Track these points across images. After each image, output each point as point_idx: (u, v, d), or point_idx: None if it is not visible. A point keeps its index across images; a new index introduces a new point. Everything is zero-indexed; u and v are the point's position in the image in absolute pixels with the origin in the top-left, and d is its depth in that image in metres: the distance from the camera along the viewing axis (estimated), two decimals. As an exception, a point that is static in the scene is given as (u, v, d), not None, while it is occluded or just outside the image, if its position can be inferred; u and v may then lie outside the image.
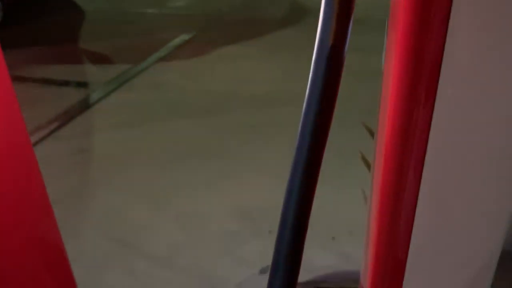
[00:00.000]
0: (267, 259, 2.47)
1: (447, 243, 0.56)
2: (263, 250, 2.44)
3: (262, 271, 2.24)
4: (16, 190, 0.82)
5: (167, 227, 2.74)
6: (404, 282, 0.59)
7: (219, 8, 6.11)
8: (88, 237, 2.63)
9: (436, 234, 0.55)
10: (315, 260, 2.03)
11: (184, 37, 5.02)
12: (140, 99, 3.96)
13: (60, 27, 5.57)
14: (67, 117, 3.59)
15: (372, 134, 1.39)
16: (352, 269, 1.84)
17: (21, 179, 0.84)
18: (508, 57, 0.47)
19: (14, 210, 0.82)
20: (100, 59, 4.60)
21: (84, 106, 3.79)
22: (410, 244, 0.55)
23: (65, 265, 0.97)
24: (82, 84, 4.15)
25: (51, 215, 0.92)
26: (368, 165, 1.35)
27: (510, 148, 0.52)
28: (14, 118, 0.79)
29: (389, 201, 0.55)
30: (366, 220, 0.71)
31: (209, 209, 2.89)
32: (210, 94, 3.96)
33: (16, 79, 3.68)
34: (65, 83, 4.16)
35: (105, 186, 3.04)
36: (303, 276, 1.68)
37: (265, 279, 2.36)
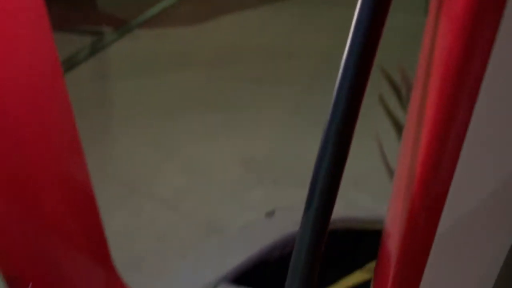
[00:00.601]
0: (272, 206, 2.51)
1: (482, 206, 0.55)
2: (267, 198, 2.49)
3: (268, 215, 2.27)
4: (47, 122, 0.81)
5: (172, 173, 2.77)
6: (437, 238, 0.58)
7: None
8: (95, 180, 2.66)
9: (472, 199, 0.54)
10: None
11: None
12: (144, 49, 3.90)
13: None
14: (70, 64, 3.56)
15: (391, 81, 1.36)
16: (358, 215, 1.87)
17: (53, 110, 0.82)
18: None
19: (44, 142, 0.81)
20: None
21: (88, 54, 3.74)
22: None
23: (93, 206, 0.96)
24: (89, 32, 4.07)
25: (80, 153, 0.91)
26: (387, 109, 1.33)
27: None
28: (46, 45, 0.77)
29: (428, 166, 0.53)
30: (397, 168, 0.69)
31: (213, 158, 2.91)
32: (216, 45, 3.90)
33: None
34: (71, 30, 4.09)
35: (109, 133, 3.05)
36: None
37: (270, 222, 2.40)
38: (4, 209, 0.75)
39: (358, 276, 1.46)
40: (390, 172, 1.47)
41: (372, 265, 1.44)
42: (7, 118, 0.72)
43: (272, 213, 2.42)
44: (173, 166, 2.86)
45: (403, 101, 1.33)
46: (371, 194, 2.27)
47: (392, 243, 0.66)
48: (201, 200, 2.51)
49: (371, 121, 1.98)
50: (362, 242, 1.98)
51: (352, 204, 2.09)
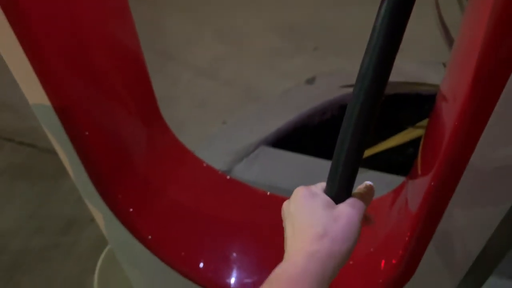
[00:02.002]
0: (313, 73, 2.45)
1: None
2: (308, 65, 2.42)
3: (308, 82, 2.24)
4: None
5: (210, 41, 2.70)
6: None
7: None
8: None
9: None
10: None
11: None
12: None
13: None
14: None
15: None
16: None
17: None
18: None
19: (96, 12, 0.78)
20: None
21: None
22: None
23: (143, 69, 0.96)
24: None
25: (130, 19, 0.87)
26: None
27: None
28: None
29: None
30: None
31: (252, 25, 2.80)
32: None
33: None
34: None
35: (143, 2, 2.95)
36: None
37: (311, 88, 2.37)
38: (66, 74, 0.76)
39: (406, 134, 1.46)
40: (448, 38, 1.36)
41: (423, 123, 1.41)
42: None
43: (313, 80, 2.38)
44: (209, 34, 2.78)
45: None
46: (416, 60, 2.17)
47: (451, 106, 0.62)
48: (239, 68, 2.47)
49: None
50: (406, 105, 1.95)
51: (397, 70, 2.00)
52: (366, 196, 0.56)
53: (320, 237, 0.48)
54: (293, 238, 0.51)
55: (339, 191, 0.53)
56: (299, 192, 0.55)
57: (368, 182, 0.58)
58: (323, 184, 0.56)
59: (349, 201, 0.52)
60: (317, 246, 0.48)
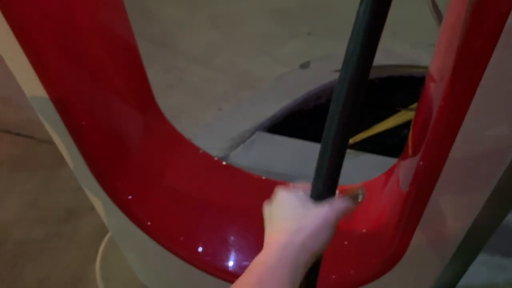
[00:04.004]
0: (307, 58, 2.45)
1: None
2: (301, 50, 2.42)
3: (303, 66, 2.24)
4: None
5: (203, 28, 2.70)
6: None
7: None
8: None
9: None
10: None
11: None
12: None
13: None
14: None
15: None
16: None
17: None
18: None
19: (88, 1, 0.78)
20: None
21: None
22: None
23: (137, 57, 0.96)
24: None
25: (123, 9, 0.88)
26: None
27: None
28: None
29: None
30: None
31: (245, 11, 2.79)
32: None
33: None
34: None
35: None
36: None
37: (304, 73, 2.37)
38: (62, 65, 0.76)
39: (400, 116, 1.47)
40: (440, 20, 1.37)
41: (414, 105, 1.43)
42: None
43: (307, 65, 2.38)
44: (203, 21, 2.77)
45: None
46: (408, 43, 2.17)
47: (438, 86, 0.64)
48: (233, 54, 2.47)
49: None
50: (399, 87, 1.96)
51: (390, 52, 2.01)
52: (356, 196, 0.59)
53: (294, 231, 0.52)
54: (270, 231, 0.55)
55: (322, 191, 0.56)
56: (279, 192, 0.58)
57: (364, 189, 0.60)
58: (304, 185, 0.59)
59: (329, 201, 0.55)
60: (291, 238, 0.51)
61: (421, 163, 0.67)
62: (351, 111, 0.52)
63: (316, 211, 0.54)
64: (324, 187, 0.55)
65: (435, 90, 0.66)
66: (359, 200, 0.58)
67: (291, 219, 0.53)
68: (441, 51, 0.65)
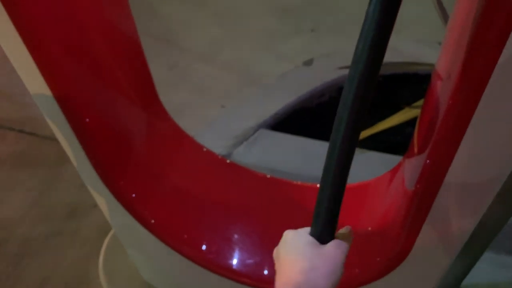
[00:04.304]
0: (310, 55, 2.44)
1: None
2: (305, 47, 2.41)
3: (306, 63, 2.23)
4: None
5: (207, 24, 2.69)
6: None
7: None
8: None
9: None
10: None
11: None
12: None
13: None
14: None
15: None
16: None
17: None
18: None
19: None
20: None
21: None
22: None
23: (142, 58, 0.96)
24: None
25: (126, 6, 0.88)
26: None
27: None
28: None
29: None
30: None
31: (248, 7, 2.78)
32: None
33: None
34: None
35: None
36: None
37: (308, 70, 2.36)
38: (65, 62, 0.76)
39: (404, 114, 1.47)
40: (445, 17, 1.36)
41: (420, 102, 1.43)
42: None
43: (310, 62, 2.38)
44: (206, 17, 2.76)
45: None
46: (414, 40, 2.16)
47: (446, 84, 0.63)
48: (237, 51, 2.47)
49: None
50: (404, 85, 1.95)
51: (395, 50, 2.00)
52: (349, 237, 0.60)
53: (306, 271, 0.52)
54: (281, 272, 0.55)
55: (323, 231, 0.57)
56: (287, 235, 0.59)
57: (348, 226, 0.61)
58: (308, 229, 0.59)
59: (335, 243, 0.56)
60: (303, 278, 0.52)
61: (427, 161, 0.66)
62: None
63: (326, 251, 0.55)
64: (328, 228, 0.57)
65: (442, 88, 0.65)
66: (351, 240, 0.60)
67: (302, 259, 0.54)
68: (449, 49, 0.64)
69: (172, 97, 2.18)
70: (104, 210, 1.11)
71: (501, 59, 0.52)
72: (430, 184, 0.68)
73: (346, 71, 0.54)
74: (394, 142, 1.73)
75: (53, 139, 2.09)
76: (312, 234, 0.57)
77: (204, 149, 1.14)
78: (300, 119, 1.98)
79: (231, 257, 0.99)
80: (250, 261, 0.99)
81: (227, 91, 2.18)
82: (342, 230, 0.60)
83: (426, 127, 0.70)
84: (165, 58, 2.43)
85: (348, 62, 0.52)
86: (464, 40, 0.55)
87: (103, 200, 1.04)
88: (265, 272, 0.95)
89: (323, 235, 0.56)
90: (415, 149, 0.75)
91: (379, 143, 1.68)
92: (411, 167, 0.77)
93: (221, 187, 1.10)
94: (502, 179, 0.64)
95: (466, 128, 0.59)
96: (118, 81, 0.90)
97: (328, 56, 2.23)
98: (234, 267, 0.98)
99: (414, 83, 1.86)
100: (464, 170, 0.65)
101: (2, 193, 1.84)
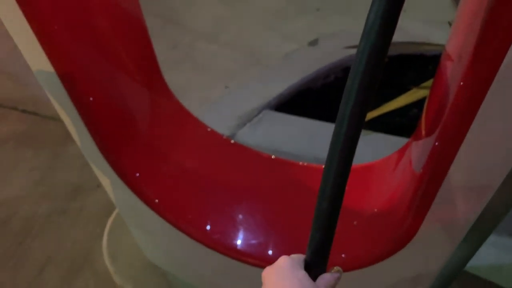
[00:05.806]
0: (316, 35, 2.40)
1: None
2: (310, 27, 2.38)
3: (311, 44, 2.20)
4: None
5: (211, 3, 2.65)
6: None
7: None
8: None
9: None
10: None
11: None
12: None
13: None
14: None
15: None
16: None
17: None
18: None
19: None
20: None
21: None
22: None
23: (145, 36, 0.95)
24: None
25: None
26: None
27: None
28: None
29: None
30: None
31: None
32: None
33: None
34: None
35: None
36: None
37: (313, 50, 2.34)
38: (69, 39, 0.75)
39: (411, 95, 1.45)
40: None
41: (428, 83, 1.41)
42: None
43: (315, 42, 2.35)
44: (210, -5, 2.72)
45: None
46: (420, 20, 2.12)
47: (457, 66, 0.62)
48: (240, 30, 2.43)
49: None
50: (410, 65, 1.93)
51: (400, 30, 1.96)
52: (340, 274, 0.59)
53: None
54: None
55: (317, 264, 0.57)
56: (281, 261, 0.58)
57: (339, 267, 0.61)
58: (302, 258, 0.59)
59: (329, 280, 0.56)
60: None
61: (436, 143, 0.65)
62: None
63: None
64: (321, 266, 0.57)
65: (453, 70, 0.64)
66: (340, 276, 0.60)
67: (295, 283, 0.54)
68: (460, 30, 0.63)
69: (176, 76, 2.16)
70: (108, 190, 1.11)
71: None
72: (438, 167, 0.67)
73: (352, 51, 0.53)
74: (400, 124, 1.72)
75: (56, 119, 2.09)
76: (305, 267, 0.57)
77: (209, 129, 1.13)
78: (304, 100, 1.96)
79: (236, 237, 0.99)
80: (254, 241, 0.99)
81: (231, 71, 2.16)
82: (333, 270, 0.60)
83: (435, 109, 0.68)
84: (169, 36, 2.40)
85: (354, 42, 0.50)
86: (478, 20, 0.54)
87: (107, 180, 1.03)
88: (270, 252, 0.96)
89: (316, 272, 0.57)
90: (423, 131, 0.74)
91: (385, 124, 1.67)
92: (418, 149, 0.76)
93: (225, 168, 1.10)
94: (511, 163, 0.64)
95: (477, 111, 0.58)
96: (122, 60, 0.89)
97: (333, 36, 2.20)
98: (239, 247, 0.98)
99: (420, 63, 1.83)
100: (473, 153, 0.64)
101: (5, 172, 1.84)
